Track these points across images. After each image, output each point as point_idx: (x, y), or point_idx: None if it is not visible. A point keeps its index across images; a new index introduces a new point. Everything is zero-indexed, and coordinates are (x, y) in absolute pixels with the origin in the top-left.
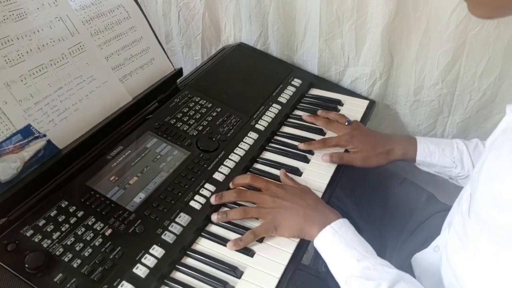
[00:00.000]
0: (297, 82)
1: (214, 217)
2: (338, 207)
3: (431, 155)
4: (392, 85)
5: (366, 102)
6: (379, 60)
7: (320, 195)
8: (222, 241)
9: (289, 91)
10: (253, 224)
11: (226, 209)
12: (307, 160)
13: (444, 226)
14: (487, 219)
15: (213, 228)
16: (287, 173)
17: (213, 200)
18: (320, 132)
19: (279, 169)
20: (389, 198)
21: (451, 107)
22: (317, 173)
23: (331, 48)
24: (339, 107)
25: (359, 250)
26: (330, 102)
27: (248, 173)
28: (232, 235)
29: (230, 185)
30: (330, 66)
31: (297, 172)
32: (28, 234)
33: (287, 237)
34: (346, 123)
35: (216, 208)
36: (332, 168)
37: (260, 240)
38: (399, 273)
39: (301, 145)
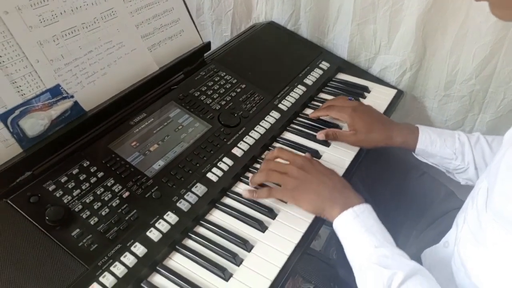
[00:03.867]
0: (325, 65)
1: (245, 194)
2: None
3: (432, 144)
4: (422, 77)
5: (394, 91)
6: (411, 50)
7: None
8: (236, 213)
9: (316, 73)
10: (276, 205)
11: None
12: (327, 144)
13: (455, 221)
14: (506, 214)
15: (228, 201)
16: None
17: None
18: None
19: (298, 150)
20: (407, 190)
21: (482, 105)
22: (337, 158)
23: (363, 33)
24: (365, 93)
25: (378, 237)
26: (356, 88)
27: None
28: (246, 209)
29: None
30: (360, 52)
31: (317, 155)
32: (50, 188)
33: (304, 209)
34: (348, 99)
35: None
36: (352, 153)
37: (273, 216)
38: (416, 266)
39: (310, 114)
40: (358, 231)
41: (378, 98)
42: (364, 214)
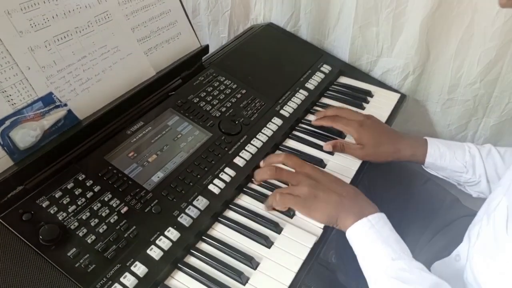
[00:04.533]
0: (326, 68)
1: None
2: None
3: (442, 157)
4: (425, 80)
5: (397, 96)
6: (414, 53)
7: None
8: (240, 228)
9: (318, 77)
10: (281, 219)
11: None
12: (331, 152)
13: (467, 235)
14: None
15: (231, 214)
16: None
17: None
18: None
19: (302, 158)
20: (411, 198)
21: (486, 109)
22: (342, 167)
23: (365, 36)
24: (368, 98)
25: (395, 248)
26: (359, 92)
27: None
28: (251, 223)
29: (261, 163)
30: (362, 55)
31: (321, 163)
32: (44, 205)
33: (317, 219)
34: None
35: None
36: (358, 162)
37: (279, 231)
38: (437, 280)
39: (313, 121)
40: (374, 241)
41: (381, 103)
42: (379, 224)
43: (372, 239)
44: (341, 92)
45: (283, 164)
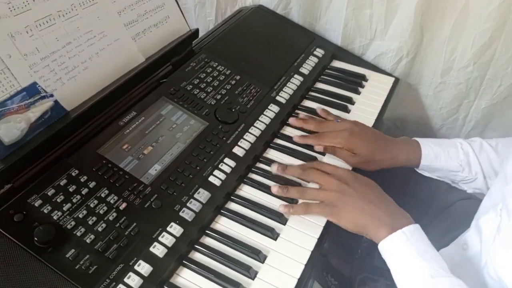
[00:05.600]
0: (319, 52)
1: (275, 189)
2: None
3: (437, 158)
4: (418, 64)
5: (392, 79)
6: (408, 36)
7: None
8: (244, 220)
9: (311, 61)
10: None
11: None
12: None
13: (475, 225)
14: None
15: (234, 206)
16: None
17: (274, 169)
18: (344, 109)
19: (301, 146)
20: (406, 185)
21: (478, 92)
22: (337, 162)
23: (358, 18)
24: (363, 82)
25: (433, 264)
26: (353, 76)
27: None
28: (255, 215)
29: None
30: (355, 38)
31: (322, 153)
32: (36, 204)
33: (344, 227)
34: (336, 122)
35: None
36: None
37: (284, 222)
38: None
39: (296, 138)
40: (411, 256)
41: (376, 87)
42: (414, 237)
43: (408, 254)
44: (335, 77)
45: (316, 168)
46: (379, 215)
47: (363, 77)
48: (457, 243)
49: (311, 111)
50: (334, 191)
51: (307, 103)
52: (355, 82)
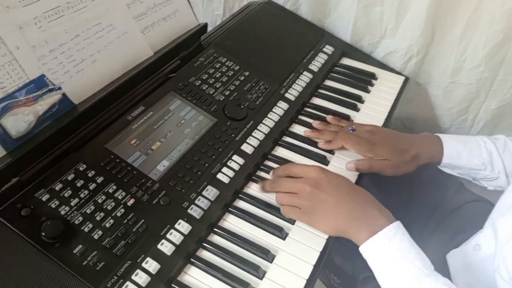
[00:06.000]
0: (329, 49)
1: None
2: None
3: (459, 156)
4: (429, 63)
5: (402, 79)
6: (419, 35)
7: (353, 179)
8: (253, 219)
9: (321, 58)
10: None
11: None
12: None
13: (489, 225)
14: None
15: (242, 204)
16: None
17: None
18: (354, 107)
19: (309, 144)
20: (415, 185)
21: (489, 92)
22: (350, 154)
23: (369, 15)
24: (373, 81)
25: (418, 265)
26: (363, 74)
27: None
28: (263, 214)
29: (270, 174)
30: (364, 36)
31: (330, 151)
32: (43, 198)
33: (323, 232)
34: (350, 130)
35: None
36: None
37: (292, 221)
38: None
39: (320, 144)
40: (394, 258)
41: (386, 86)
42: (397, 237)
43: (391, 256)
44: (345, 75)
45: (288, 174)
46: (356, 217)
47: (373, 76)
48: (468, 245)
49: (320, 108)
50: (306, 199)
51: (316, 100)
52: (365, 81)
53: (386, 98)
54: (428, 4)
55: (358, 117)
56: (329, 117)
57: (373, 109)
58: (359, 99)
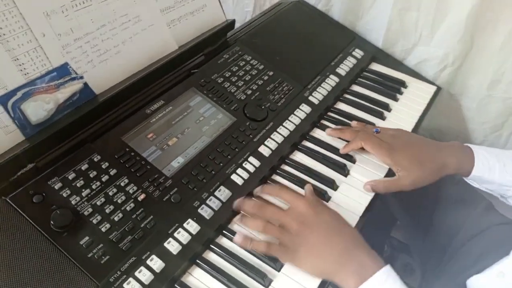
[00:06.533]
0: (358, 53)
1: (235, 227)
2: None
3: (491, 170)
4: (464, 73)
5: (433, 88)
6: (456, 44)
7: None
8: None
9: (349, 62)
10: None
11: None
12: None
13: None
14: None
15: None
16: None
17: (234, 205)
18: (380, 115)
19: (330, 151)
20: (440, 200)
21: None
22: (372, 163)
23: (403, 20)
24: (402, 89)
25: None
26: (393, 81)
27: (278, 184)
28: None
29: (256, 190)
30: (397, 41)
31: (351, 159)
32: (56, 187)
33: (307, 273)
34: (374, 132)
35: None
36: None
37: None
38: None
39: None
40: None
41: (416, 95)
42: (387, 283)
43: None
44: (373, 81)
45: (279, 197)
46: (344, 262)
47: (403, 83)
48: (491, 271)
49: (344, 114)
50: (291, 236)
51: (341, 105)
52: (394, 88)
53: (414, 108)
54: (469, 11)
55: (383, 126)
56: (353, 123)
57: (400, 118)
58: (386, 107)
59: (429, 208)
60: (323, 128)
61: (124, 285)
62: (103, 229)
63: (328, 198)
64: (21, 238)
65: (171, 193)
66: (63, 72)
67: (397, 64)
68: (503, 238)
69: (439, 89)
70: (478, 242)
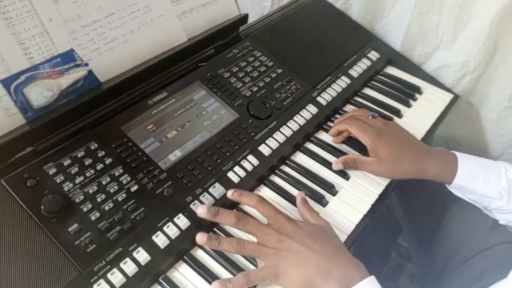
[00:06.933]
0: (374, 55)
1: (201, 238)
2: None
3: (474, 180)
4: (485, 82)
5: (450, 96)
6: (478, 51)
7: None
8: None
9: (363, 64)
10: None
11: (220, 234)
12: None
13: None
14: None
15: (248, 209)
16: (306, 201)
17: (202, 213)
18: (390, 121)
19: (333, 155)
20: (446, 214)
21: None
22: (369, 179)
23: (424, 24)
24: (416, 95)
25: None
26: (407, 87)
27: (255, 194)
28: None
29: (229, 194)
30: (417, 45)
31: (344, 176)
32: (50, 172)
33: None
34: (370, 117)
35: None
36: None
37: None
38: None
39: (331, 131)
40: None
41: (430, 102)
42: None
43: None
44: (387, 84)
45: (256, 208)
46: (326, 267)
47: (418, 89)
48: None
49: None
50: (274, 249)
51: (350, 108)
52: (408, 94)
53: (427, 116)
54: (493, 16)
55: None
56: (349, 108)
57: (411, 125)
58: (397, 113)
59: (435, 220)
60: (329, 130)
61: (108, 275)
62: (93, 218)
63: (325, 203)
64: (11, 220)
65: (164, 186)
66: (68, 59)
67: (415, 69)
68: (509, 258)
69: (456, 97)
70: (481, 260)
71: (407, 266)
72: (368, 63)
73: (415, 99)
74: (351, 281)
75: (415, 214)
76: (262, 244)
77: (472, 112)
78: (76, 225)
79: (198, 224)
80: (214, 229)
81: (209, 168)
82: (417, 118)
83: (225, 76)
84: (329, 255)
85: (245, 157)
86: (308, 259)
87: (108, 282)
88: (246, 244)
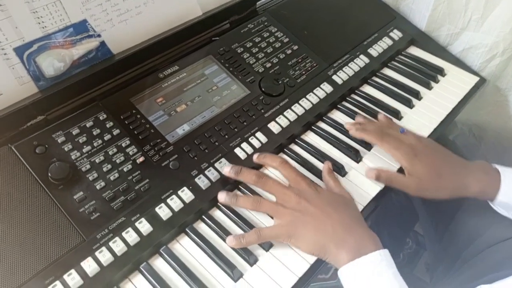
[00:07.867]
0: (396, 34)
1: (222, 196)
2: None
3: None
4: None
5: (475, 79)
6: (509, 32)
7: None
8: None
9: (384, 43)
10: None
11: (238, 192)
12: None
13: None
14: None
15: (253, 185)
16: (332, 170)
17: (227, 171)
18: (408, 103)
19: (345, 135)
20: (464, 201)
21: None
22: (382, 160)
23: (452, 2)
24: (439, 77)
25: None
26: (429, 68)
27: (279, 156)
28: (272, 197)
29: (254, 157)
30: (443, 24)
31: (366, 146)
32: (59, 140)
33: (303, 250)
34: (400, 131)
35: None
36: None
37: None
38: None
39: (353, 130)
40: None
41: (453, 84)
42: (381, 266)
43: (372, 285)
44: (407, 65)
45: (278, 169)
46: (341, 235)
47: (441, 71)
48: (502, 284)
49: (369, 99)
50: (292, 209)
51: (367, 89)
52: (429, 75)
53: (449, 99)
54: None
55: (409, 115)
56: (380, 116)
57: (430, 108)
58: (417, 95)
59: (452, 209)
60: (344, 111)
61: (110, 243)
62: (98, 187)
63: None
64: (19, 185)
65: (170, 159)
66: (81, 29)
67: (440, 50)
68: None
69: (482, 80)
70: (495, 252)
71: (424, 254)
72: (390, 42)
73: (437, 81)
74: (364, 250)
75: (433, 202)
76: (280, 204)
77: (499, 97)
78: (81, 193)
79: (203, 199)
80: (239, 186)
81: (217, 143)
82: (437, 101)
83: (239, 51)
84: (346, 224)
85: (253, 134)
86: (324, 224)
87: (110, 250)
88: (262, 201)
